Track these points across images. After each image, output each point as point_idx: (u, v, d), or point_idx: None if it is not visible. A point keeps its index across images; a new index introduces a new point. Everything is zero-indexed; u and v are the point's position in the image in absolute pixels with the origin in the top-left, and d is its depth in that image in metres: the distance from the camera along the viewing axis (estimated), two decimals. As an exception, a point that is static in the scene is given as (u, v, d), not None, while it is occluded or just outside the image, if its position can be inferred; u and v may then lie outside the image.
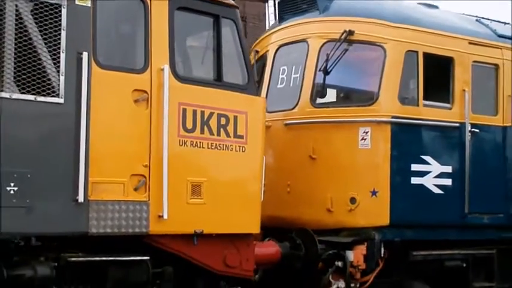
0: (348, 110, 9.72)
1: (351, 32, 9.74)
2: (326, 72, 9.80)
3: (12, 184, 6.96)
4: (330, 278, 9.38)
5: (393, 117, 9.53)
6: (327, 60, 9.78)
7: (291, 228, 9.65)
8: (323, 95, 9.97)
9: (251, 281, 9.00)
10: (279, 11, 10.83)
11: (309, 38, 10.19)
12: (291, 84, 10.31)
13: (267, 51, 10.76)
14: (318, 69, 9.93)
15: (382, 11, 9.92)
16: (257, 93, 8.86)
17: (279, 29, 10.75)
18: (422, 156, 9.72)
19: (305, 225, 9.60)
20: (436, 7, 11.06)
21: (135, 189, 7.74)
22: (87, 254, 7.52)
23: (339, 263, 9.35)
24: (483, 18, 11.19)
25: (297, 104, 10.06)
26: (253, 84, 8.79)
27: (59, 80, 7.28)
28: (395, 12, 9.95)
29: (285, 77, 10.44)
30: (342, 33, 9.75)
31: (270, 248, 9.23)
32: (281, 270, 9.55)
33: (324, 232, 9.60)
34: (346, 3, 10.19)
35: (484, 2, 30.60)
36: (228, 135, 8.45)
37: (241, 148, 8.56)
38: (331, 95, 10.45)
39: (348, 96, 10.26)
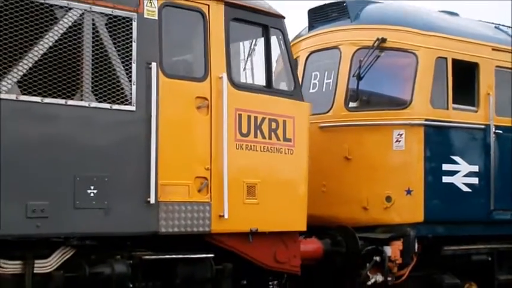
0: (382, 114, 10.28)
1: (383, 40, 10.30)
2: (359, 78, 10.37)
3: (92, 187, 7.44)
4: (368, 272, 9.94)
5: (426, 120, 10.11)
6: (360, 66, 10.35)
7: (325, 226, 10.18)
8: (356, 100, 10.53)
9: (293, 276, 9.49)
10: (308, 19, 11.32)
11: (341, 45, 10.73)
12: (324, 89, 10.84)
13: (298, 57, 11.27)
14: (352, 74, 10.48)
15: (413, 19, 10.48)
16: (302, 98, 9.36)
17: (309, 36, 11.26)
18: (452, 157, 10.31)
19: (340, 222, 10.14)
20: (457, 14, 11.66)
21: (199, 191, 8.24)
22: (157, 253, 8.01)
23: (377, 258, 9.91)
24: (501, 25, 11.80)
25: (331, 108, 10.60)
26: (299, 90, 9.31)
27: (131, 89, 7.75)
28: (426, 21, 10.52)
29: (317, 82, 10.96)
30: (375, 41, 10.30)
31: (313, 245, 9.75)
32: (319, 265, 10.09)
33: (358, 229, 10.15)
34: (376, 12, 10.74)
35: (484, 2, 31.25)
36: (278, 138, 8.97)
37: (289, 150, 9.08)
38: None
39: (378, 100, 10.73)
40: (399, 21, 10.46)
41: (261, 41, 9.09)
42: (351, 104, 10.54)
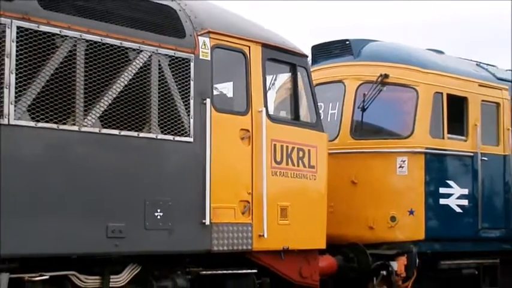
0: (387, 142, 11.44)
1: (386, 76, 11.48)
2: (364, 109, 11.53)
3: (158, 210, 8.34)
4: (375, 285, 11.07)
5: (426, 148, 11.32)
6: (364, 99, 11.51)
7: (333, 244, 11.23)
8: (361, 129, 11.66)
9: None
10: (312, 55, 12.42)
11: (346, 79, 11.88)
12: (329, 119, 11.93)
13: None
14: (357, 106, 11.62)
15: (412, 58, 11.72)
16: (323, 129, 10.43)
17: (313, 70, 12.33)
18: (447, 181, 11.56)
19: (348, 240, 11.23)
20: (442, 52, 12.95)
21: (242, 213, 9.21)
22: (210, 268, 8.94)
23: (384, 272, 11.03)
24: (481, 63, 13.15)
25: (337, 136, 11.70)
26: (320, 122, 10.38)
27: (189, 122, 8.68)
28: (424, 59, 11.78)
29: (322, 113, 12.04)
30: (379, 76, 11.48)
31: (328, 261, 10.78)
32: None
33: (364, 246, 11.25)
34: (378, 50, 11.93)
35: (484, 3, 33.60)
36: (304, 165, 10.00)
37: (313, 176, 10.13)
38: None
39: (381, 130, 11.86)
40: (400, 60, 11.67)
41: (289, 78, 10.14)
42: (356, 133, 11.66)
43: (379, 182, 11.37)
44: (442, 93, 11.62)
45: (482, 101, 12.24)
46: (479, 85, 12.23)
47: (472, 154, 11.95)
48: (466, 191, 11.81)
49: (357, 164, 11.48)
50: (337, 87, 11.96)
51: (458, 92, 11.88)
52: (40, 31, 7.58)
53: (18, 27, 7.42)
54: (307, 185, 10.07)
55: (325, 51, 12.27)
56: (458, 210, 11.67)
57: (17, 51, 7.40)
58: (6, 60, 7.33)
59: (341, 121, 11.75)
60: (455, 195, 11.63)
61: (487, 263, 12.30)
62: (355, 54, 11.93)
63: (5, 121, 7.28)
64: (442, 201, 11.46)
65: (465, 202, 11.79)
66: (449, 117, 11.70)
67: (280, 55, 9.90)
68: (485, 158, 12.08)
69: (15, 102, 7.35)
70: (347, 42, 12.03)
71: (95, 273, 8.13)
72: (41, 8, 7.64)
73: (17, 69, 7.38)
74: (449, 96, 11.70)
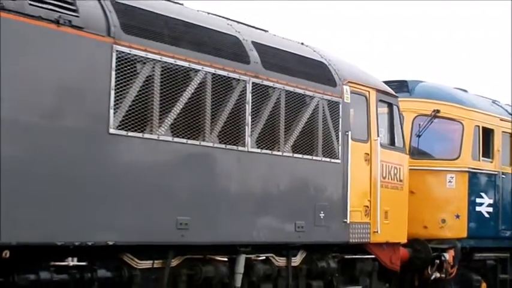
0: (439, 162, 15.00)
1: (438, 111, 15.04)
2: (419, 136, 15.06)
3: (322, 212, 11.58)
4: (430, 271, 14.62)
5: (469, 168, 14.94)
6: (419, 129, 15.04)
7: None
8: (417, 151, 15.18)
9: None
10: (373, 90, 15.83)
11: (404, 112, 15.30)
12: (389, 142, 15.40)
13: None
14: (413, 134, 15.14)
15: (456, 97, 15.35)
16: (407, 152, 13.89)
17: (374, 102, 15.76)
18: (480, 193, 15.23)
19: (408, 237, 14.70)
20: (466, 91, 16.63)
21: (365, 215, 12.56)
22: (347, 253, 12.27)
23: (437, 261, 14.58)
24: (496, 100, 16.92)
25: (398, 156, 15.17)
26: (405, 146, 13.83)
27: (338, 148, 11.96)
28: (464, 99, 15.44)
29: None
30: (432, 111, 15.03)
31: (403, 252, 14.22)
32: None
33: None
34: (429, 90, 15.46)
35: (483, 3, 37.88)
36: (397, 180, 13.42)
37: (401, 187, 13.57)
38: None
39: (433, 153, 15.38)
40: (447, 98, 15.26)
41: (387, 114, 13.54)
42: (413, 154, 15.15)
43: (432, 193, 14.93)
44: (479, 126, 15.28)
45: (502, 131, 15.98)
46: (500, 119, 15.97)
47: (496, 172, 15.66)
48: (491, 201, 15.51)
49: (414, 178, 14.90)
50: (396, 117, 15.40)
51: (489, 125, 15.58)
52: (263, 85, 10.73)
53: (253, 83, 10.56)
54: (398, 194, 13.50)
55: (385, 88, 15.68)
56: (486, 215, 15.36)
57: (251, 99, 10.54)
58: (247, 106, 10.46)
59: (400, 145, 15.21)
60: (485, 204, 15.32)
61: (503, 256, 16.06)
62: (411, 91, 15.43)
63: (246, 149, 10.43)
64: (477, 208, 15.13)
65: (491, 209, 15.49)
66: (482, 144, 15.38)
67: (384, 97, 13.29)
68: (504, 176, 15.84)
69: (251, 135, 10.49)
70: (405, 83, 15.51)
71: (282, 255, 11.32)
72: (264, 69, 10.77)
73: (252, 113, 10.51)
74: (483, 128, 15.37)
